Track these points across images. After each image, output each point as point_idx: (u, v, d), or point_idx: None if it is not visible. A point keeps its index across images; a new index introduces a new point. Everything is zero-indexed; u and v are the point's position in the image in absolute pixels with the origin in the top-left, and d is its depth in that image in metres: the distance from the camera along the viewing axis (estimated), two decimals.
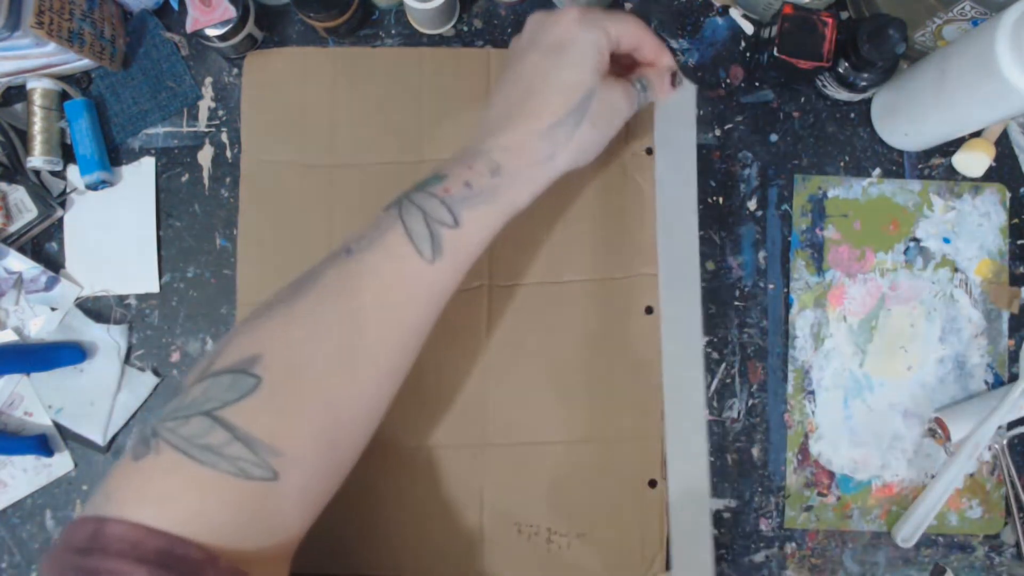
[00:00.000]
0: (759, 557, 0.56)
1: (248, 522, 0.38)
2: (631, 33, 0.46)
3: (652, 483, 0.54)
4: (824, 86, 0.56)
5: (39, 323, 0.55)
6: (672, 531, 0.53)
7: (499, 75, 0.49)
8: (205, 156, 0.57)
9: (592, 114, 0.44)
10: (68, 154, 0.56)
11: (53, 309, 0.55)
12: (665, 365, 0.53)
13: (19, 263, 0.54)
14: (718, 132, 0.58)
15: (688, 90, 0.55)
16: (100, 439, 0.55)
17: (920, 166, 0.59)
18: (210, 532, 0.36)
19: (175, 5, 0.57)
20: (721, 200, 0.58)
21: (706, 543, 0.53)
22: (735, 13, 0.59)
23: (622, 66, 0.49)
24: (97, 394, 0.55)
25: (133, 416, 0.55)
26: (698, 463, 0.53)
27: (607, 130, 0.46)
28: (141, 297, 0.56)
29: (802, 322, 0.57)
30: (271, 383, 0.38)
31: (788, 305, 0.57)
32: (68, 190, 0.56)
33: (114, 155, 0.57)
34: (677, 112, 0.55)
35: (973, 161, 0.57)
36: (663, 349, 0.54)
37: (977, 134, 0.58)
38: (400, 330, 0.42)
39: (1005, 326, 0.58)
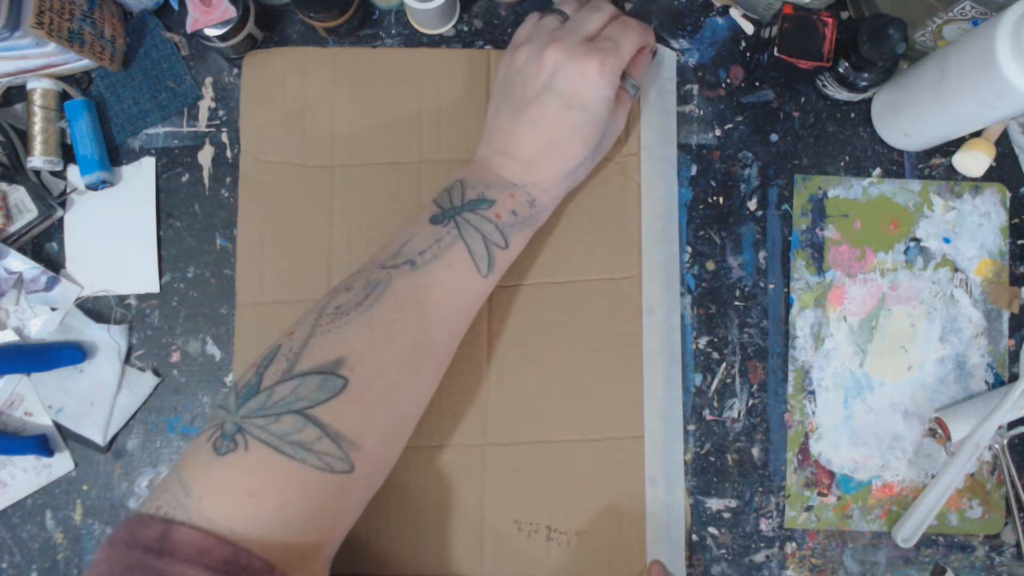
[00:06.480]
0: (759, 557, 0.56)
1: (322, 513, 0.41)
2: (635, 50, 0.50)
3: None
4: (824, 86, 0.56)
5: (39, 323, 0.55)
6: (649, 528, 0.54)
7: (505, 87, 0.50)
8: (205, 156, 0.57)
9: (602, 145, 0.51)
10: (68, 154, 0.56)
11: (53, 309, 0.55)
12: (646, 363, 0.55)
13: (19, 263, 0.54)
14: (718, 132, 0.58)
15: (669, 56, 0.58)
16: (100, 439, 0.55)
17: (920, 166, 0.59)
18: (285, 524, 0.39)
19: (175, 5, 0.57)
20: (721, 200, 0.58)
21: (679, 542, 0.54)
22: (735, 13, 0.59)
23: None
24: (97, 394, 0.55)
25: (133, 416, 0.55)
26: (673, 463, 0.54)
27: (609, 146, 0.53)
28: (141, 297, 0.56)
29: (802, 322, 0.57)
30: (356, 383, 0.41)
31: (788, 305, 0.57)
32: (68, 190, 0.56)
33: (114, 155, 0.57)
34: (659, 76, 0.58)
35: (973, 161, 0.57)
36: (645, 348, 0.55)
37: (977, 134, 0.58)
38: (455, 332, 0.48)
39: (1005, 326, 0.58)
